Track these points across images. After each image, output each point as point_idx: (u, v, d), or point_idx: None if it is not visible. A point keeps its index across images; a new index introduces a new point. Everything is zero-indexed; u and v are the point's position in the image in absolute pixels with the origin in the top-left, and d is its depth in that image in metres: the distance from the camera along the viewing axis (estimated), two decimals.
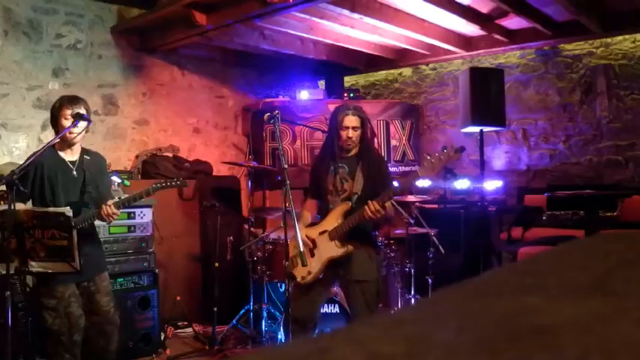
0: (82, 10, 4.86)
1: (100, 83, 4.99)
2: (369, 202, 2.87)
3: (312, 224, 3.17)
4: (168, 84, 5.56)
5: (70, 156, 3.00)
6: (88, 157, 3.07)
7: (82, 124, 2.93)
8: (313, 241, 3.05)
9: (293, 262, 3.09)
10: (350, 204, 3.04)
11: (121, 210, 2.97)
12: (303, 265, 2.87)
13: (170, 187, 3.09)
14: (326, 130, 5.62)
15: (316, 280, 3.06)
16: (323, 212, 3.14)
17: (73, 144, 2.98)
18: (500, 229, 5.01)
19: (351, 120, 3.07)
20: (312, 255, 3.03)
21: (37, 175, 2.88)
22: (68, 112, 2.91)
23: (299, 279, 3.05)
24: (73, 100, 2.96)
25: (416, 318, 0.42)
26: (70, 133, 2.91)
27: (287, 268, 3.12)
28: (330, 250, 3.02)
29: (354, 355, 0.34)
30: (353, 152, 3.15)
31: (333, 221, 3.04)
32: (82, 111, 2.94)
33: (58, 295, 2.84)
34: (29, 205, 2.98)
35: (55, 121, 2.97)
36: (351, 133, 3.06)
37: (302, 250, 2.80)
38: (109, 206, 2.86)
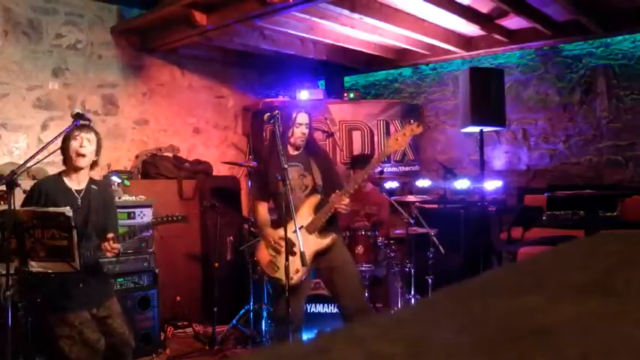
0: (82, 10, 4.86)
1: (100, 83, 4.99)
2: (337, 196, 3.06)
3: (278, 224, 3.19)
4: (168, 84, 5.56)
5: (77, 184, 2.93)
6: (95, 187, 3.00)
7: (90, 147, 2.88)
8: (289, 240, 3.04)
9: (271, 267, 3.15)
10: (319, 196, 3.16)
11: (122, 244, 2.95)
12: (303, 265, 2.87)
13: (171, 222, 3.10)
14: (326, 130, 5.64)
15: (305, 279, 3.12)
16: (282, 211, 3.11)
17: (80, 168, 2.89)
18: (500, 229, 5.00)
19: (305, 117, 3.22)
20: (293, 253, 3.01)
21: (41, 203, 2.82)
22: (76, 132, 2.86)
23: (284, 281, 3.04)
24: (84, 127, 2.91)
25: (416, 318, 0.42)
26: (78, 155, 2.84)
27: (267, 275, 3.22)
28: (313, 243, 3.09)
29: (354, 355, 0.34)
30: (300, 150, 3.28)
31: (305, 216, 3.12)
32: (92, 137, 2.89)
33: (69, 322, 2.78)
34: None
35: (65, 145, 2.89)
36: (305, 129, 3.21)
37: (302, 250, 2.80)
38: (109, 242, 2.80)
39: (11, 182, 2.61)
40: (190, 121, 5.75)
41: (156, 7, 4.63)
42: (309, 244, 3.05)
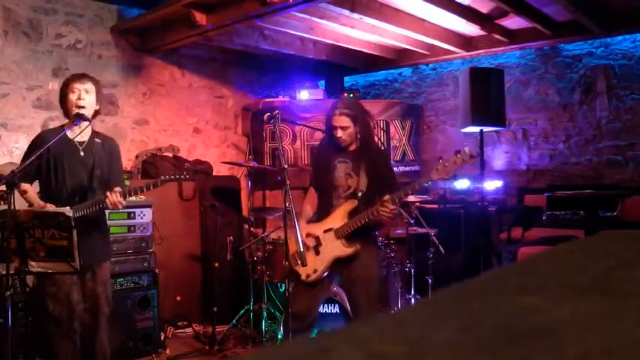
0: (82, 10, 4.86)
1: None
2: (385, 201, 2.82)
3: (315, 221, 3.13)
4: (168, 84, 5.56)
5: (79, 136, 2.90)
6: (99, 140, 2.98)
7: (90, 98, 2.88)
8: (317, 238, 3.02)
9: (295, 259, 3.07)
10: (356, 202, 3.01)
11: (130, 198, 2.92)
12: (303, 265, 2.87)
13: (179, 180, 3.01)
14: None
15: (322, 279, 3.05)
16: (325, 208, 3.09)
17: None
18: (500, 229, 5.00)
19: (339, 120, 3.02)
20: (317, 253, 3.00)
21: (44, 157, 2.81)
22: (76, 84, 2.86)
23: (304, 276, 3.03)
24: (79, 77, 2.90)
25: (416, 318, 0.42)
26: (78, 107, 2.84)
27: (288, 266, 3.11)
28: (337, 249, 3.00)
29: (355, 355, 0.34)
30: (353, 148, 3.11)
31: (338, 219, 3.01)
32: (90, 86, 2.89)
33: (59, 282, 2.82)
34: (35, 187, 2.94)
35: (64, 99, 2.89)
36: (340, 132, 3.03)
37: (302, 250, 2.80)
38: (116, 194, 2.76)
39: (11, 182, 2.61)
40: (190, 121, 5.75)
41: (156, 7, 4.63)
42: (332, 248, 3.00)
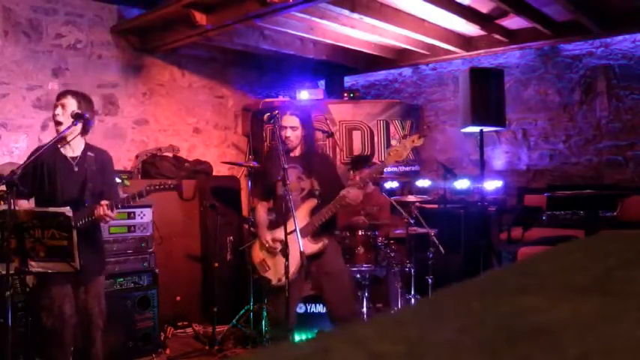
0: (82, 10, 4.86)
1: (100, 83, 4.99)
2: (352, 182, 3.04)
3: (276, 226, 3.19)
4: (168, 84, 5.56)
5: (71, 152, 2.97)
6: (92, 154, 3.03)
7: (66, 113, 2.89)
8: (282, 241, 3.04)
9: (262, 266, 3.14)
10: (316, 200, 3.13)
11: (118, 211, 2.95)
12: (303, 264, 2.87)
13: (164, 189, 3.06)
14: (326, 130, 5.63)
15: (295, 280, 3.08)
16: (282, 212, 3.13)
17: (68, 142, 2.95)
18: (500, 229, 5.00)
19: (289, 120, 3.15)
20: (286, 256, 2.99)
21: (37, 172, 2.87)
22: (55, 102, 2.93)
23: (275, 281, 3.05)
24: (58, 96, 2.95)
25: (416, 318, 0.42)
26: (55, 123, 2.90)
27: (257, 273, 3.20)
28: (305, 246, 3.03)
29: (354, 355, 0.34)
30: (298, 152, 3.22)
31: (301, 219, 3.08)
32: (67, 100, 2.91)
33: (53, 295, 2.85)
34: (32, 202, 2.97)
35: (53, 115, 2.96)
36: (289, 132, 3.14)
37: (302, 249, 2.80)
38: (103, 207, 2.81)
39: (11, 182, 2.61)
40: (190, 121, 5.75)
41: (156, 7, 4.63)
42: (300, 247, 3.04)
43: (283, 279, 3.02)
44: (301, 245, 2.81)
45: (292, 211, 2.91)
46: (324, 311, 3.88)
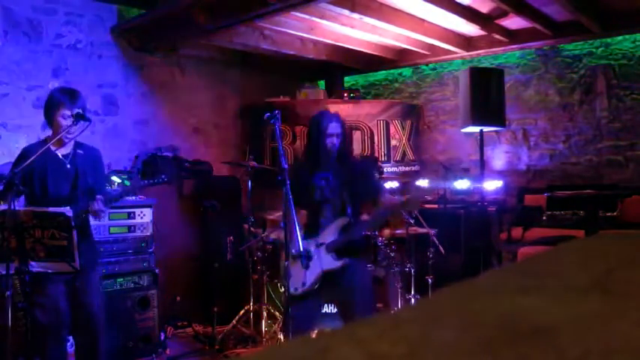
0: (82, 10, 4.86)
1: (100, 83, 4.99)
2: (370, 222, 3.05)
3: (306, 237, 3.14)
4: (168, 84, 5.56)
5: (63, 150, 2.98)
6: (82, 151, 3.04)
7: (82, 124, 2.93)
8: (308, 252, 3.02)
9: (285, 273, 3.12)
10: (348, 219, 3.07)
11: (111, 210, 2.97)
12: (303, 264, 2.86)
13: (157, 184, 3.08)
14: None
15: (312, 291, 3.05)
16: (313, 224, 3.12)
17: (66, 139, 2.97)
18: (500, 229, 5.00)
19: (335, 127, 3.10)
20: (307, 267, 2.99)
21: (27, 170, 2.85)
22: (67, 112, 2.90)
23: (292, 289, 3.03)
24: (73, 99, 2.93)
25: (416, 318, 0.42)
26: (68, 132, 2.90)
27: (283, 279, 3.15)
28: (326, 262, 3.04)
29: (354, 355, 0.34)
30: (335, 160, 3.16)
31: (330, 235, 3.07)
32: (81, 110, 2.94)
33: (47, 292, 2.85)
34: (21, 200, 2.97)
35: (51, 116, 2.94)
36: (335, 140, 3.09)
37: (301, 250, 2.79)
38: (97, 202, 2.85)
39: (11, 182, 2.61)
40: (190, 121, 5.75)
41: (156, 7, 4.63)
42: (321, 261, 3.04)
43: (300, 289, 3.01)
44: (301, 246, 2.79)
45: (292, 213, 2.88)
46: (324, 311, 3.88)
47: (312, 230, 3.13)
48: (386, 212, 3.06)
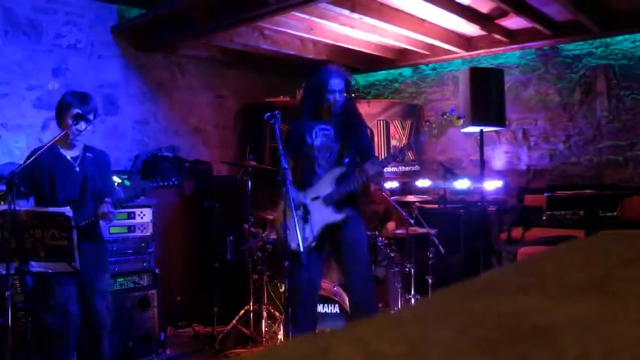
0: (82, 10, 4.86)
1: (100, 83, 4.99)
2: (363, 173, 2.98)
3: (298, 189, 3.09)
4: (168, 84, 5.56)
5: (71, 152, 2.98)
6: (91, 155, 3.05)
7: (85, 124, 2.93)
8: (305, 206, 2.99)
9: (282, 230, 3.06)
10: (344, 168, 3.05)
11: (118, 210, 2.96)
12: (304, 264, 2.85)
13: (167, 187, 3.08)
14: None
15: (310, 249, 2.98)
16: (307, 176, 3.08)
17: (75, 142, 2.97)
18: (500, 229, 5.00)
19: (337, 83, 3.06)
20: (306, 222, 2.96)
21: (36, 172, 2.87)
22: (77, 116, 2.90)
23: (293, 246, 2.92)
24: (84, 101, 2.94)
25: (416, 318, 0.42)
26: (76, 131, 2.90)
27: (277, 236, 3.08)
28: (327, 215, 3.00)
29: (354, 355, 0.34)
30: (336, 115, 3.13)
31: (326, 186, 3.03)
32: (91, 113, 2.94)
33: (57, 295, 2.84)
34: (31, 202, 2.98)
35: (61, 118, 2.93)
36: (338, 96, 3.05)
37: (302, 250, 2.79)
38: (107, 204, 2.84)
39: (11, 182, 2.61)
40: (190, 121, 5.75)
41: (156, 7, 4.63)
42: (322, 215, 3.00)
43: (302, 245, 2.90)
44: (301, 245, 2.77)
45: (292, 213, 2.87)
46: (324, 311, 3.88)
47: (305, 180, 3.08)
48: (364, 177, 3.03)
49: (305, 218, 2.94)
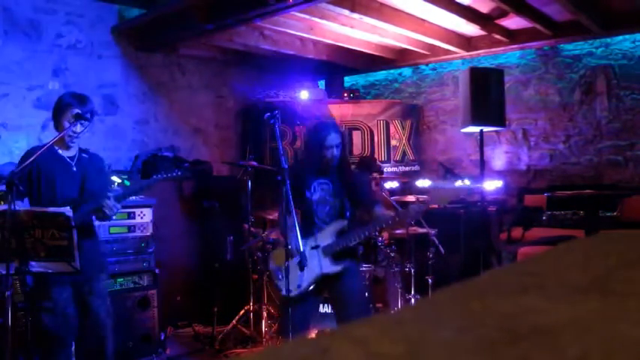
0: (82, 10, 4.86)
1: (100, 83, 4.99)
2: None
3: (302, 236, 3.13)
4: (168, 84, 5.56)
5: (68, 153, 2.99)
6: (86, 156, 3.06)
7: (83, 125, 2.93)
8: (302, 254, 3.02)
9: (275, 274, 3.12)
10: (346, 222, 3.08)
11: (121, 206, 2.96)
12: (304, 264, 2.85)
13: (170, 179, 3.08)
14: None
15: (306, 294, 3.03)
16: (307, 226, 3.11)
17: (72, 143, 2.97)
18: (500, 229, 5.00)
19: (335, 138, 3.09)
20: (302, 269, 2.95)
21: (34, 173, 2.86)
22: (74, 118, 2.89)
23: (284, 292, 2.99)
24: (82, 102, 2.94)
25: (416, 318, 0.42)
26: (73, 132, 2.90)
27: (272, 283, 3.14)
28: (324, 266, 3.03)
29: (354, 355, 0.34)
30: (333, 169, 3.16)
31: (326, 238, 3.06)
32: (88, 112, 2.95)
33: (55, 296, 2.84)
34: (26, 202, 2.97)
35: (59, 119, 2.94)
36: (335, 151, 3.08)
37: (303, 250, 2.79)
38: (111, 199, 2.84)
39: (11, 182, 2.61)
40: (190, 121, 5.75)
41: (156, 7, 4.63)
42: (318, 265, 3.03)
43: (295, 291, 2.96)
44: (301, 245, 2.78)
45: (292, 213, 2.88)
46: (324, 312, 3.88)
47: (305, 231, 3.10)
48: (378, 225, 3.06)
49: (301, 265, 2.95)
